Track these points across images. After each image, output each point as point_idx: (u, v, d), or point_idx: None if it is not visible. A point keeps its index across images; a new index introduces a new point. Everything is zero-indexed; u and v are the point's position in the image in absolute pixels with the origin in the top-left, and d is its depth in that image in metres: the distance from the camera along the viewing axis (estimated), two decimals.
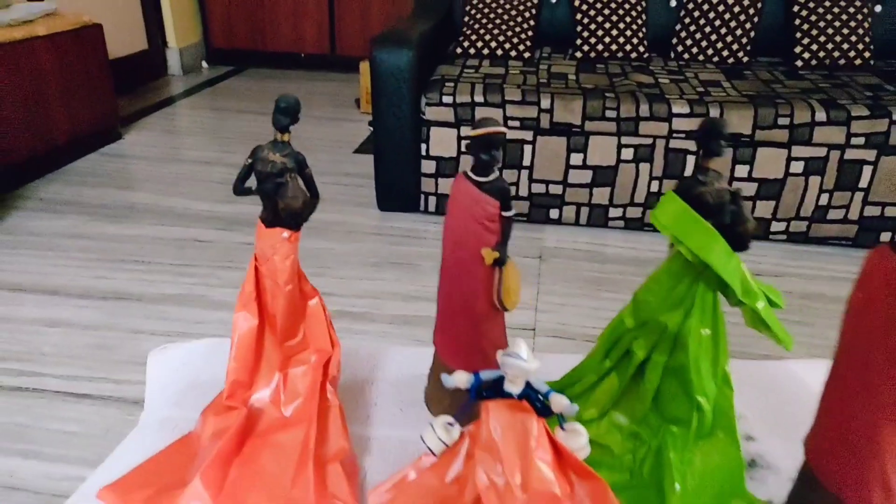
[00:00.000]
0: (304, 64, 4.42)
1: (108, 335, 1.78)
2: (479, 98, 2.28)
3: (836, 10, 2.58)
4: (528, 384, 0.65)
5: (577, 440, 0.65)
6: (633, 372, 0.73)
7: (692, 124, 2.22)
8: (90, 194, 2.59)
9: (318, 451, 0.70)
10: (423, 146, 2.38)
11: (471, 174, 0.72)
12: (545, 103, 2.26)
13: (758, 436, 0.78)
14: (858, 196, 2.24)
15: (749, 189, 2.28)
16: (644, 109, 2.23)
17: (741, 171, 2.25)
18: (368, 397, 0.85)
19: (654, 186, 2.33)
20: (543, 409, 0.65)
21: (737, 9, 2.64)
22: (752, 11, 2.63)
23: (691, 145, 2.26)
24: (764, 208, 2.30)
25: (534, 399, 0.65)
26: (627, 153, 2.29)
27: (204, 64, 4.43)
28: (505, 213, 0.72)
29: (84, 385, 1.60)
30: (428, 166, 2.40)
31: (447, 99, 2.29)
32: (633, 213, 2.37)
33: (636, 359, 0.71)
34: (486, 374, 0.66)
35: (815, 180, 2.24)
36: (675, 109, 2.22)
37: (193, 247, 2.22)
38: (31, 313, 1.85)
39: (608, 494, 0.63)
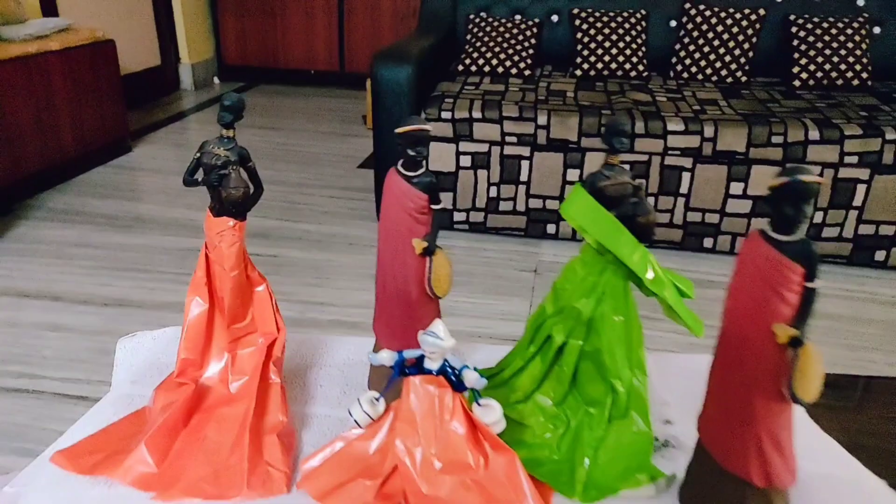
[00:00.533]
0: (313, 80, 4.50)
1: (107, 340, 1.83)
2: (476, 114, 2.32)
3: (833, 31, 2.60)
4: (445, 361, 0.70)
5: (492, 415, 0.70)
6: (553, 356, 0.77)
7: (687, 142, 2.25)
8: (98, 205, 2.65)
9: (256, 423, 0.76)
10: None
11: (401, 169, 0.76)
12: (542, 120, 2.30)
13: (676, 420, 0.83)
14: (853, 214, 2.25)
15: (744, 206, 2.30)
16: (639, 126, 2.26)
17: (736, 188, 2.27)
18: (314, 380, 0.91)
19: (650, 202, 2.35)
20: (458, 384, 0.70)
21: (735, 30, 2.67)
22: (750, 32, 2.67)
23: (687, 162, 2.29)
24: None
25: (450, 374, 0.70)
26: None
27: (216, 80, 4.51)
28: (434, 206, 0.77)
29: (82, 387, 1.64)
30: None
31: (446, 114, 2.34)
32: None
33: (555, 343, 0.76)
34: (409, 353, 0.71)
35: None
36: (671, 127, 2.24)
37: (195, 257, 2.24)
38: (35, 318, 1.91)
39: (518, 465, 0.69)
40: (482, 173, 2.40)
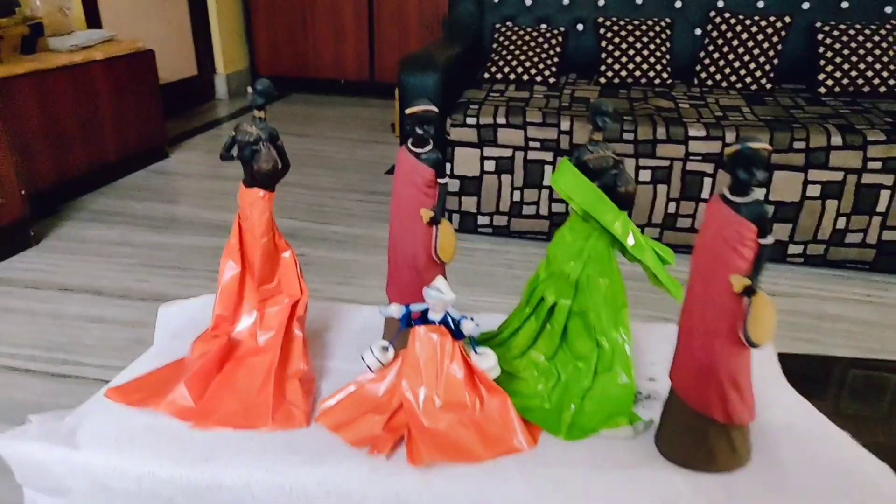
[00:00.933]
0: (344, 90, 4.61)
1: (144, 332, 1.92)
2: (501, 120, 2.38)
3: (860, 38, 2.61)
4: (447, 313, 0.80)
5: (487, 361, 0.80)
6: (545, 316, 0.85)
7: (709, 147, 2.27)
8: (136, 207, 2.77)
9: (280, 369, 0.86)
10: (448, 165, 2.48)
11: (410, 147, 0.84)
12: (565, 125, 2.35)
13: (658, 377, 0.91)
14: (876, 220, 2.25)
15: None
16: (661, 132, 2.29)
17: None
18: (333, 340, 1.01)
19: (672, 207, 2.39)
20: (458, 333, 0.80)
21: (760, 37, 2.69)
22: (775, 39, 2.69)
23: (708, 168, 2.32)
24: (781, 231, 2.33)
25: (450, 325, 0.80)
26: (645, 174, 2.35)
27: (249, 90, 4.63)
28: (440, 181, 0.84)
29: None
30: (452, 185, 2.50)
31: (471, 120, 2.40)
32: (651, 232, 2.42)
33: (547, 304, 0.84)
34: (415, 307, 0.81)
35: (832, 204, 2.26)
36: (692, 133, 2.27)
37: None
38: (77, 310, 2.01)
39: (510, 406, 0.79)
40: (506, 178, 2.46)
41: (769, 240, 0.67)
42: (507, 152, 2.42)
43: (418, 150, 0.86)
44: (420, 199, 0.87)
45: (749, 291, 0.67)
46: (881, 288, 2.24)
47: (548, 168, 2.41)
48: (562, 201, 2.45)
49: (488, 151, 2.43)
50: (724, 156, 0.68)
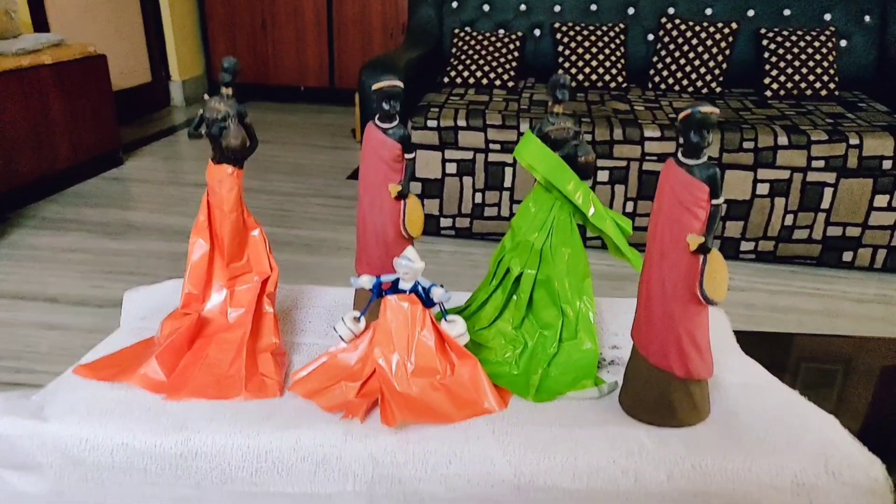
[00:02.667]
0: (304, 97, 4.60)
1: (102, 337, 1.87)
2: (461, 122, 2.42)
3: (802, 44, 2.73)
4: (417, 282, 0.82)
5: (457, 328, 0.82)
6: (511, 287, 0.88)
7: (664, 147, 2.34)
8: (91, 213, 2.72)
9: (252, 344, 0.87)
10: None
11: (377, 122, 0.86)
12: (524, 127, 2.39)
13: (622, 346, 0.96)
14: (821, 217, 2.35)
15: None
16: (618, 133, 2.36)
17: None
18: (304, 318, 1.02)
19: (630, 207, 2.45)
20: (428, 301, 0.83)
21: (709, 42, 2.79)
22: (723, 45, 2.79)
23: (662, 167, 2.38)
24: (733, 229, 2.41)
25: (420, 293, 0.83)
26: (603, 175, 2.41)
27: (206, 96, 4.59)
28: (407, 156, 0.87)
29: None
30: (413, 188, 2.52)
31: (432, 123, 2.43)
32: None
33: (513, 274, 0.87)
34: (385, 277, 0.84)
35: (780, 201, 2.35)
36: (647, 133, 2.34)
37: None
38: (31, 318, 1.96)
39: (480, 370, 0.82)
40: (467, 180, 2.49)
41: (720, 200, 0.71)
42: (468, 154, 2.46)
43: (385, 126, 0.88)
44: (387, 174, 0.89)
45: (703, 249, 0.71)
46: (827, 281, 2.33)
47: (508, 170, 2.45)
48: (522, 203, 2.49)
49: (449, 154, 2.46)
50: (676, 121, 0.72)
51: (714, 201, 0.71)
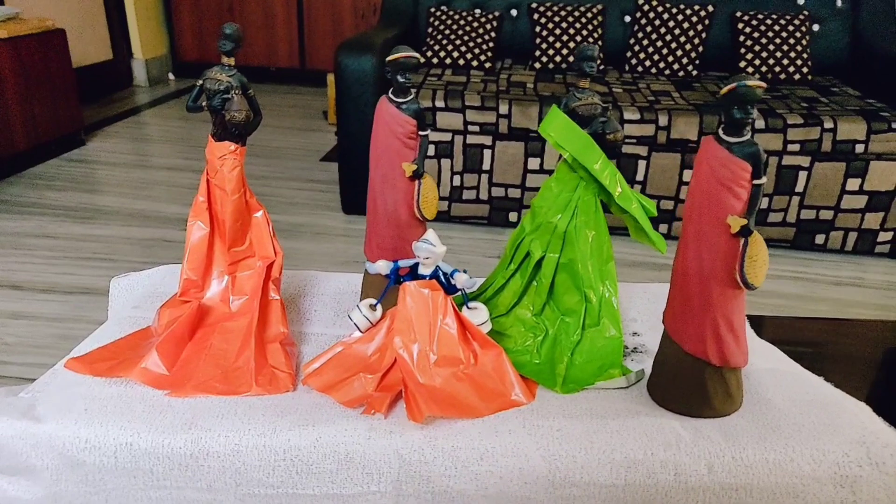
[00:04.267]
0: (274, 78, 4.48)
1: (73, 326, 1.80)
2: (440, 103, 2.37)
3: (776, 28, 2.74)
4: (437, 267, 0.78)
5: (480, 316, 0.79)
6: (531, 271, 0.84)
7: (643, 130, 2.33)
8: (54, 197, 2.60)
9: (259, 334, 0.82)
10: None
11: (391, 96, 0.82)
12: (503, 109, 2.36)
13: (643, 332, 0.93)
14: (795, 200, 2.37)
15: None
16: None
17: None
18: (309, 306, 0.97)
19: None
20: (450, 288, 0.79)
21: (686, 25, 2.79)
22: (700, 28, 2.79)
23: (643, 150, 2.38)
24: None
25: (441, 279, 0.78)
26: None
27: (171, 76, 4.46)
28: (421, 132, 0.82)
29: None
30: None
31: None
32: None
33: (533, 258, 0.83)
34: (404, 262, 0.79)
35: None
36: (627, 116, 2.33)
37: (161, 246, 2.24)
38: None
39: (505, 359, 0.78)
40: (445, 162, 2.45)
41: (763, 179, 0.68)
42: (447, 136, 2.41)
43: (399, 100, 0.83)
44: (401, 150, 0.84)
45: (745, 232, 0.68)
46: (804, 264, 2.36)
47: (487, 152, 2.42)
48: (502, 186, 2.46)
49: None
50: (718, 96, 0.68)
51: (756, 181, 0.68)
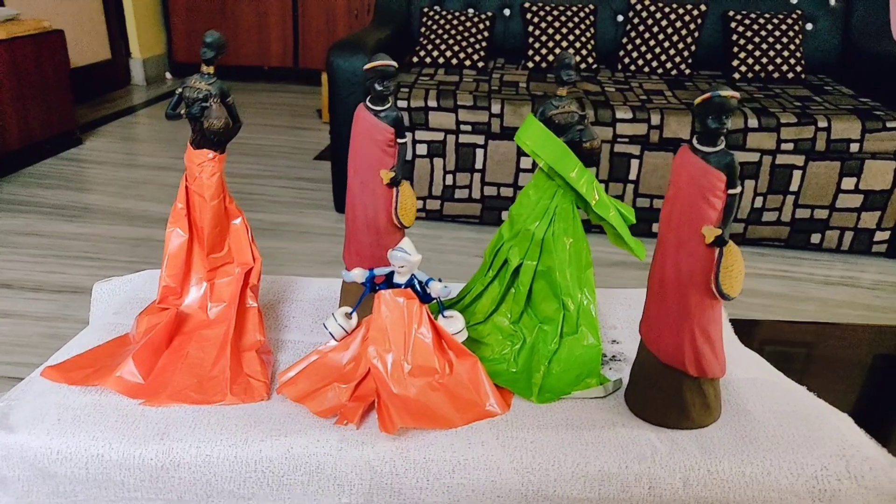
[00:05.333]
0: (268, 76, 4.47)
1: (61, 325, 1.80)
2: (432, 103, 2.36)
3: (769, 27, 2.73)
4: (413, 275, 0.78)
5: (455, 325, 0.78)
6: (509, 279, 0.84)
7: (635, 129, 2.33)
8: (45, 195, 2.60)
9: (236, 341, 0.82)
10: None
11: (369, 104, 0.81)
12: (496, 108, 2.35)
13: (622, 340, 0.93)
14: (790, 199, 2.37)
15: None
16: (589, 115, 2.33)
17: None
18: (287, 312, 0.97)
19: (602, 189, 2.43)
20: (425, 296, 0.78)
21: (679, 24, 2.78)
22: (692, 27, 2.78)
23: (635, 149, 2.37)
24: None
25: (416, 287, 0.78)
26: None
27: (168, 75, 4.44)
28: (399, 140, 0.82)
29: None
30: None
31: (402, 104, 2.37)
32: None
33: (511, 265, 0.83)
34: (379, 270, 0.79)
35: (749, 184, 2.36)
36: (619, 115, 2.32)
37: (148, 245, 2.24)
38: None
39: (480, 369, 0.78)
40: (438, 161, 2.44)
41: (738, 189, 0.68)
42: (439, 136, 2.41)
43: (377, 108, 0.83)
44: (379, 158, 0.84)
45: (720, 242, 0.67)
46: (794, 263, 2.36)
47: (479, 151, 2.41)
48: (494, 185, 2.46)
49: (420, 135, 2.41)
50: (693, 106, 0.67)
51: (731, 191, 0.67)
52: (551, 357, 0.81)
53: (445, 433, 0.73)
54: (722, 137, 0.68)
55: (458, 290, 0.93)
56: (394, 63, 0.80)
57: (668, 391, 0.74)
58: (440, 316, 0.78)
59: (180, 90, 0.80)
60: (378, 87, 0.81)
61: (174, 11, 4.33)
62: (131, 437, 0.71)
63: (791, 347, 1.76)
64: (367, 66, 0.79)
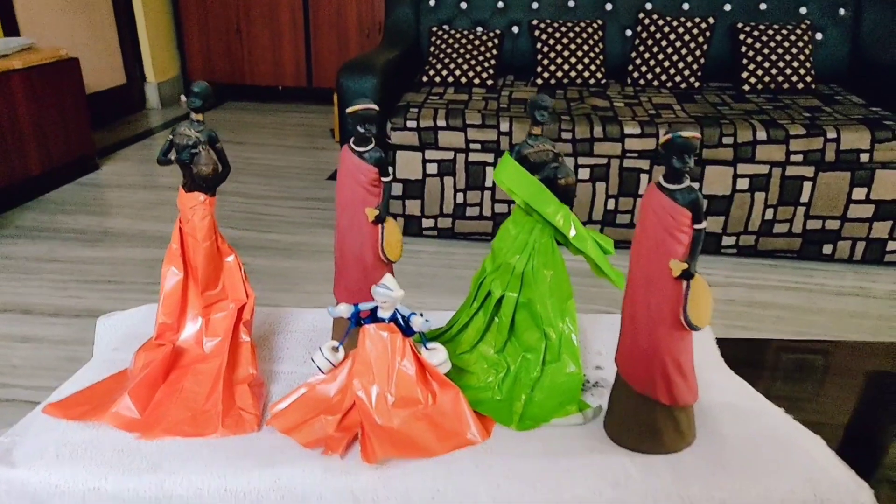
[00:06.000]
0: (282, 97, 4.55)
1: (78, 349, 1.85)
2: (441, 122, 2.39)
3: (778, 38, 2.73)
4: (396, 310, 0.81)
5: (438, 356, 0.81)
6: (493, 309, 0.87)
7: (644, 144, 2.34)
8: (65, 221, 2.67)
9: (228, 375, 0.86)
10: (390, 169, 2.48)
11: (352, 146, 0.84)
12: (504, 126, 2.38)
13: (605, 366, 0.95)
14: (801, 210, 2.36)
15: None
16: (598, 131, 2.35)
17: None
18: (281, 344, 1.00)
19: (611, 204, 2.44)
20: (408, 330, 0.81)
21: (687, 38, 2.79)
22: (701, 40, 2.78)
23: (644, 164, 2.38)
24: (714, 224, 2.41)
25: (400, 321, 0.81)
26: (584, 173, 2.40)
27: (183, 98, 4.53)
28: (384, 179, 0.85)
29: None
30: (395, 189, 2.50)
31: (411, 123, 2.40)
32: (592, 229, 2.47)
33: (494, 297, 0.87)
34: (364, 305, 0.82)
35: (760, 196, 2.36)
36: (627, 130, 2.33)
37: None
38: (4, 330, 1.92)
39: (462, 399, 0.80)
40: (448, 180, 2.47)
41: (703, 224, 0.70)
42: (449, 154, 2.44)
43: (360, 149, 0.86)
44: (364, 197, 0.87)
45: (687, 275, 0.70)
46: (806, 275, 2.35)
47: (489, 169, 2.44)
48: (504, 202, 2.48)
49: (430, 154, 2.44)
50: (657, 146, 0.69)
51: (697, 226, 0.70)
52: (534, 385, 0.83)
53: (426, 462, 0.75)
54: (686, 175, 0.70)
55: (435, 325, 0.95)
56: (374, 106, 0.84)
57: (642, 418, 0.76)
58: (423, 348, 0.81)
59: (171, 137, 0.84)
60: (360, 130, 0.84)
61: (188, 34, 4.42)
62: (126, 470, 0.74)
63: (798, 361, 1.76)
64: (348, 110, 0.83)
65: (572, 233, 0.82)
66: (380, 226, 0.88)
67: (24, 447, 0.77)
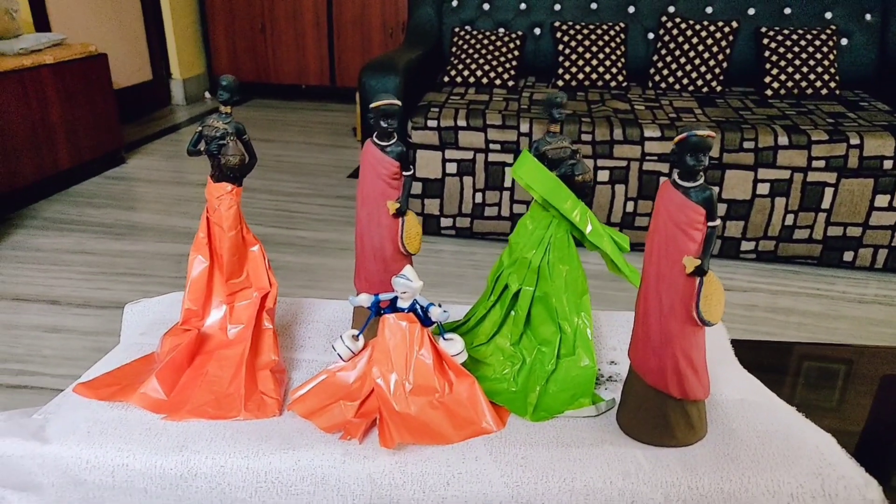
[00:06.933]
0: (305, 95, 4.60)
1: (106, 340, 1.89)
2: (462, 122, 2.42)
3: (803, 42, 2.72)
4: (415, 300, 0.83)
5: (455, 347, 0.84)
6: (509, 303, 0.90)
7: (664, 147, 2.34)
8: (93, 214, 2.73)
9: (251, 361, 0.89)
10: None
11: (375, 140, 0.87)
12: (524, 127, 2.39)
13: (620, 361, 0.97)
14: (822, 217, 2.35)
15: (718, 210, 2.39)
16: (618, 133, 2.35)
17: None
18: (303, 333, 1.03)
19: (630, 207, 2.45)
20: (426, 320, 0.84)
21: (710, 41, 2.78)
22: (724, 44, 2.78)
23: (664, 167, 2.39)
24: (734, 228, 2.41)
25: (418, 312, 0.84)
26: (604, 175, 2.41)
27: (207, 95, 4.61)
28: (405, 173, 0.87)
29: None
30: (415, 188, 2.52)
31: (432, 123, 2.43)
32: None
33: (511, 291, 0.88)
34: (384, 296, 0.85)
35: (780, 201, 2.35)
36: (647, 133, 2.34)
37: None
38: (33, 321, 1.97)
39: (478, 389, 0.83)
40: (468, 180, 2.49)
41: (716, 222, 0.71)
42: (469, 154, 2.46)
43: (383, 143, 0.89)
44: (386, 190, 0.89)
45: (700, 272, 0.71)
46: (828, 282, 2.33)
47: (508, 170, 2.45)
48: (523, 202, 2.50)
49: (450, 154, 2.46)
50: (672, 144, 0.71)
51: (710, 224, 0.71)
52: (548, 377, 0.85)
53: (442, 448, 0.77)
54: (701, 173, 0.71)
55: (453, 316, 0.97)
56: (397, 102, 0.86)
57: (654, 412, 0.78)
58: (441, 338, 0.83)
59: (200, 128, 0.87)
60: (383, 125, 0.87)
61: (214, 32, 4.49)
62: (153, 448, 0.77)
63: (823, 366, 1.76)
64: (372, 105, 0.86)
65: (588, 228, 0.84)
66: (400, 218, 0.90)
67: (57, 424, 0.81)
